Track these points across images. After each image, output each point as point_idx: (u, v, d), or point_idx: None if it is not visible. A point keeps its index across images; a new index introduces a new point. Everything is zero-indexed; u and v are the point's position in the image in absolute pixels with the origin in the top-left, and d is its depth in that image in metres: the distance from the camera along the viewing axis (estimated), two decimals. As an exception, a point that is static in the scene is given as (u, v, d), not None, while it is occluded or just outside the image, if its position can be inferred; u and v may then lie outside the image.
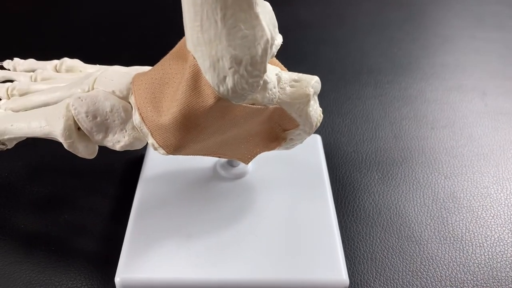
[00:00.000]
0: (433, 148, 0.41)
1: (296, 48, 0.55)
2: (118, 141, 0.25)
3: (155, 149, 0.24)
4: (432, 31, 0.60)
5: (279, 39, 0.25)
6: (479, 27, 0.61)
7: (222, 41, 0.20)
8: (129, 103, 0.25)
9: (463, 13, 0.65)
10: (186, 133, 0.23)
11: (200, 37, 0.21)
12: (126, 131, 0.25)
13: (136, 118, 0.24)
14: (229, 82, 0.21)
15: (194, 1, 0.20)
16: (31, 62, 0.32)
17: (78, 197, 0.34)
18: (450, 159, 0.39)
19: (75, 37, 0.55)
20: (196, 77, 0.22)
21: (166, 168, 0.33)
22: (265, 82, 0.24)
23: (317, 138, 0.37)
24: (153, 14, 0.61)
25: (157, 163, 0.34)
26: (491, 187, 0.37)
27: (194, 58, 0.22)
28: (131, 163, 0.37)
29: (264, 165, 0.34)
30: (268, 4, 0.23)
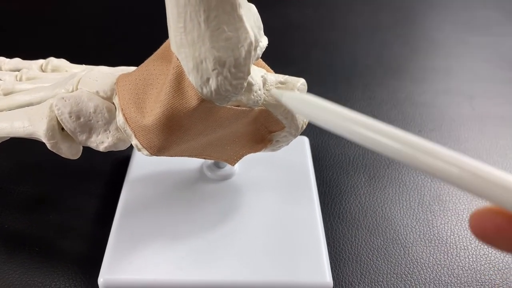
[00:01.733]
0: (420, 151, 0.41)
1: (287, 50, 0.55)
2: (101, 142, 0.25)
3: (139, 150, 0.24)
4: (422, 34, 0.61)
5: (264, 41, 0.25)
6: (468, 32, 0.62)
7: (205, 43, 0.20)
8: (113, 103, 0.24)
9: (452, 17, 0.65)
10: (170, 134, 0.23)
11: (184, 39, 0.21)
12: (109, 132, 0.25)
13: (119, 119, 0.24)
14: (213, 83, 0.21)
15: (178, 2, 0.20)
16: (16, 61, 0.32)
17: (63, 197, 0.34)
18: (436, 162, 0.40)
19: (62, 37, 0.55)
20: (179, 79, 0.22)
21: (152, 169, 0.33)
22: (250, 84, 0.24)
23: (305, 140, 0.37)
24: (141, 14, 0.61)
25: (143, 164, 0.34)
26: (477, 190, 0.37)
27: (178, 59, 0.22)
28: (117, 163, 0.37)
29: (251, 166, 0.34)
30: (253, 6, 0.23)
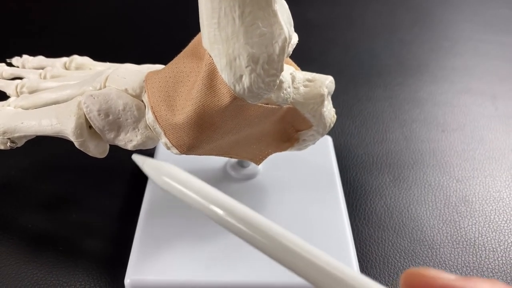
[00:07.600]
0: (444, 151, 0.40)
1: (305, 48, 0.54)
2: (130, 140, 0.25)
3: (168, 148, 0.24)
4: (441, 33, 0.60)
5: (294, 38, 0.25)
6: (487, 31, 0.61)
7: (239, 39, 0.20)
8: (142, 101, 0.24)
9: (471, 16, 0.64)
10: (200, 133, 0.23)
11: (217, 35, 0.20)
12: (138, 130, 0.24)
13: (149, 117, 0.24)
14: (246, 81, 0.21)
15: (212, -3, 0.19)
16: (40, 59, 0.32)
17: (86, 196, 0.34)
18: (461, 162, 0.39)
19: (84, 34, 0.55)
20: (212, 76, 0.21)
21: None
22: (280, 82, 0.24)
23: (328, 140, 0.37)
24: (160, 10, 0.61)
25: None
26: (504, 191, 0.36)
27: (210, 56, 0.21)
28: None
29: (275, 166, 0.34)
30: (285, 2, 0.22)
